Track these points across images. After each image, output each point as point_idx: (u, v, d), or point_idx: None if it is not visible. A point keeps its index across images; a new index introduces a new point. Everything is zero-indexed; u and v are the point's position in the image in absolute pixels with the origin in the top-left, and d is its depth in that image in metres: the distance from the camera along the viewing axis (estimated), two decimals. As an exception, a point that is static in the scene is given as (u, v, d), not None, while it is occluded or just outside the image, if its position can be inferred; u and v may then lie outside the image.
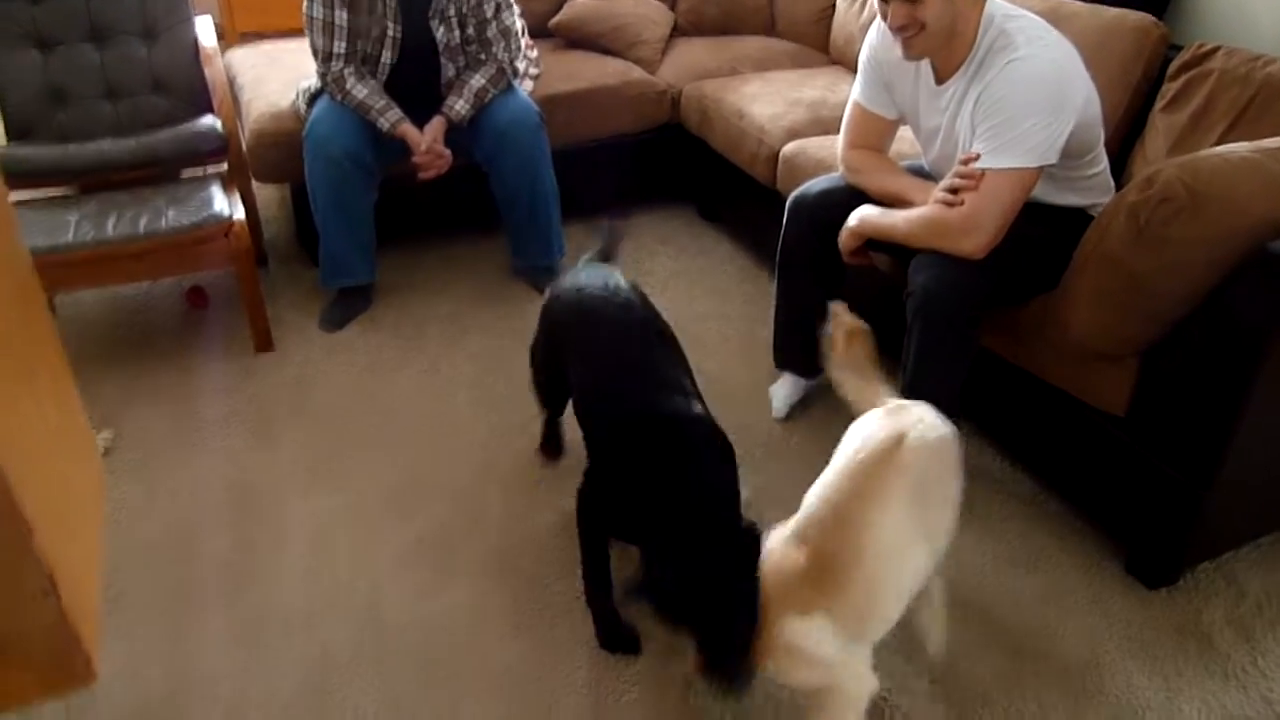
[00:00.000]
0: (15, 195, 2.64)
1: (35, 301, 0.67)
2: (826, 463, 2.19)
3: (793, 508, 2.11)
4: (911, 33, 1.85)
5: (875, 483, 1.44)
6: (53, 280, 2.48)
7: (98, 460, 0.78)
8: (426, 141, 2.64)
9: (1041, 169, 1.81)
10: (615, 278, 1.92)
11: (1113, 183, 2.06)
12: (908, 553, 1.47)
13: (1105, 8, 2.36)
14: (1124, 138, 2.30)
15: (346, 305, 2.84)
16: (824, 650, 1.40)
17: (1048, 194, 1.96)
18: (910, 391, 2.03)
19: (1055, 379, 1.98)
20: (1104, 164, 2.02)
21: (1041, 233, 1.93)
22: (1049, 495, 2.16)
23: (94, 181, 2.69)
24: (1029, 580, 1.95)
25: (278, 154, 2.80)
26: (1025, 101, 1.77)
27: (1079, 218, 1.98)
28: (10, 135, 2.81)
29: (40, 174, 2.64)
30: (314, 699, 1.70)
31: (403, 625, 1.85)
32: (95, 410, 2.44)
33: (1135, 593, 1.91)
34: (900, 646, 1.78)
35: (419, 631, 1.83)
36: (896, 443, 1.47)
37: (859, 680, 1.47)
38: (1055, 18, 2.09)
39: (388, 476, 2.23)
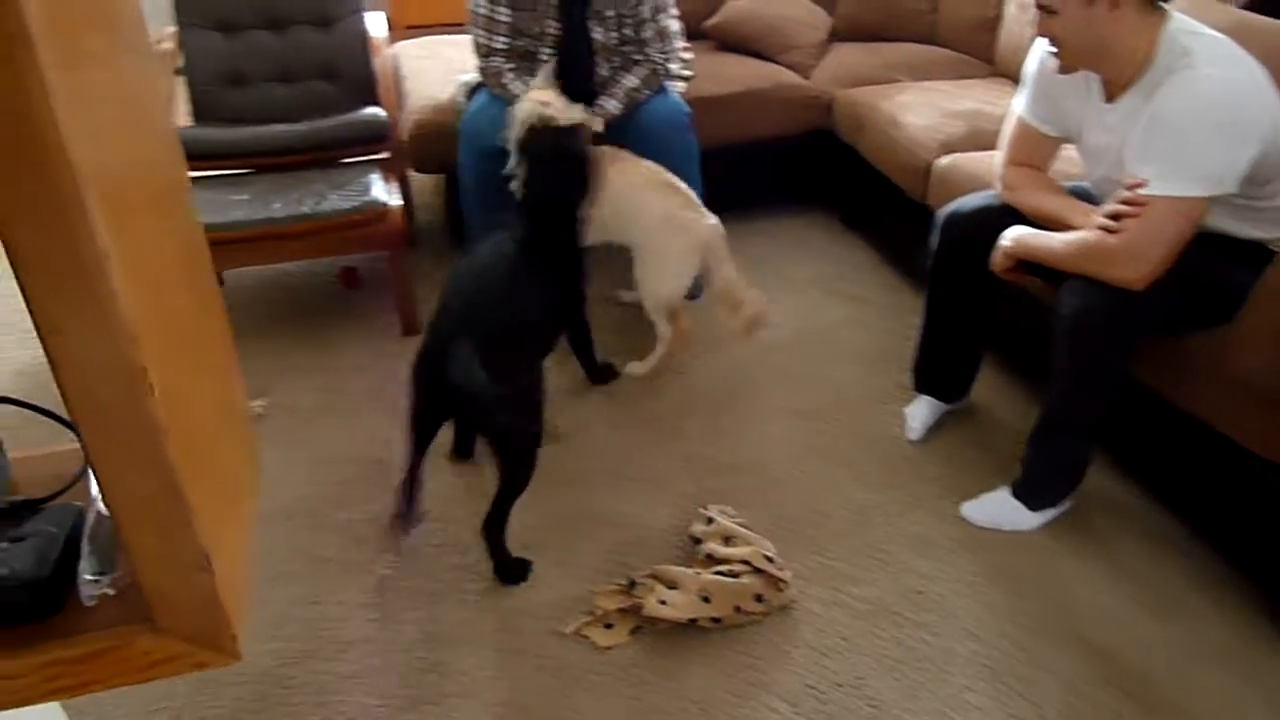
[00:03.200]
0: (194, 173, 2.83)
1: (204, 274, 0.72)
2: (957, 491, 2.15)
3: (914, 535, 2.05)
4: (1054, 48, 1.81)
5: None
6: (220, 257, 2.63)
7: (253, 436, 0.83)
8: (576, 139, 2.68)
9: (1214, 198, 1.69)
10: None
11: (1301, 215, 1.91)
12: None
13: (1301, 25, 2.19)
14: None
15: (488, 293, 2.92)
16: None
17: (1224, 223, 1.83)
18: (1051, 413, 1.96)
19: (1213, 418, 1.85)
20: (1290, 195, 1.88)
21: (1213, 264, 1.81)
22: (1194, 539, 2.03)
23: (265, 162, 2.85)
24: (1166, 629, 1.84)
25: (435, 145, 2.90)
26: (1201, 124, 1.66)
27: (1258, 251, 1.84)
28: (194, 115, 3.00)
29: (216, 154, 2.81)
30: (430, 673, 1.76)
31: (519, 610, 1.89)
32: (252, 380, 2.57)
33: (1288, 656, 1.78)
34: (1015, 686, 1.71)
35: (535, 618, 1.87)
36: None
37: None
38: (1243, 35, 1.93)
39: (516, 464, 2.29)
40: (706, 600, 1.81)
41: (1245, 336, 1.73)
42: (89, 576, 0.59)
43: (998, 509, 2.09)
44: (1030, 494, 2.06)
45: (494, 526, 1.96)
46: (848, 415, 2.45)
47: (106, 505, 0.53)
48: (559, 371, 2.61)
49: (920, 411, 2.36)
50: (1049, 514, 2.08)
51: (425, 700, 1.71)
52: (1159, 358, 1.90)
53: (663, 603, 1.80)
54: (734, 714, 1.68)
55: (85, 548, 0.61)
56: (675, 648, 1.80)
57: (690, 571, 1.88)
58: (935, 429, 2.38)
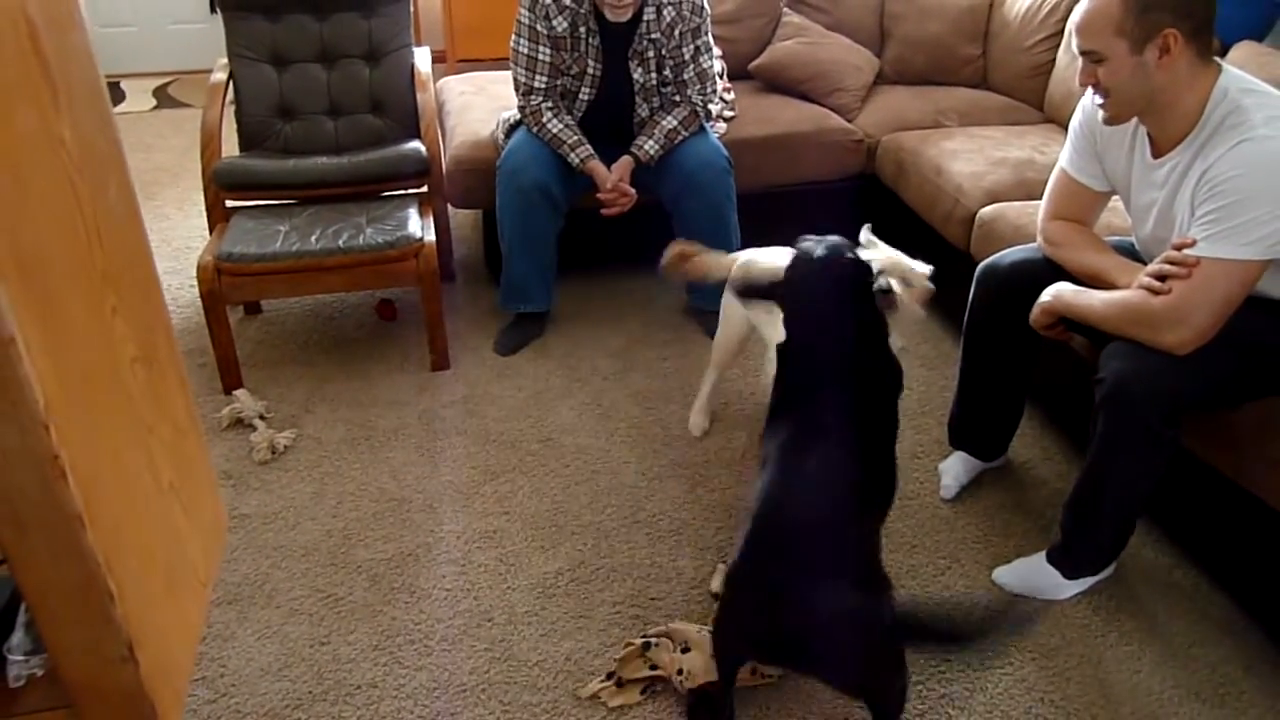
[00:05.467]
0: (239, 202, 2.87)
1: (165, 361, 0.70)
2: (992, 555, 2.07)
3: (947, 589, 1.97)
4: (1100, 97, 1.74)
5: None
6: (257, 288, 2.67)
7: (216, 511, 0.81)
8: (613, 180, 2.67)
9: (1268, 262, 1.61)
10: None
11: (1360, 280, 1.81)
12: None
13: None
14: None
15: (521, 330, 2.91)
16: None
17: (1276, 286, 1.74)
18: (1088, 481, 1.86)
19: (1270, 496, 1.75)
20: (1349, 258, 1.78)
21: (1265, 330, 1.72)
22: (1249, 624, 1.92)
23: (307, 194, 2.87)
24: (1211, 716, 1.73)
25: (473, 181, 2.91)
26: (1255, 187, 1.58)
27: (1313, 317, 1.75)
28: (242, 145, 3.05)
29: (258, 185, 2.84)
30: (436, 725, 1.72)
31: (532, 662, 1.85)
32: (284, 410, 2.60)
33: (1346, 754, 1.66)
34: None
35: (547, 671, 1.83)
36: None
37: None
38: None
39: (538, 506, 2.25)
40: (687, 650, 1.75)
41: (1299, 409, 1.64)
42: (18, 656, 0.56)
43: (1032, 575, 2.00)
44: (1067, 562, 1.97)
45: None
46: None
47: (22, 593, 0.50)
48: (585, 401, 2.58)
49: (955, 468, 2.28)
50: (1087, 582, 1.99)
51: (428, 752, 1.67)
52: (1209, 428, 1.81)
53: (679, 671, 1.74)
54: (744, 784, 1.61)
55: (21, 619, 0.58)
56: (685, 709, 1.74)
57: (705, 630, 1.82)
58: (972, 488, 2.29)
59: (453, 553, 2.12)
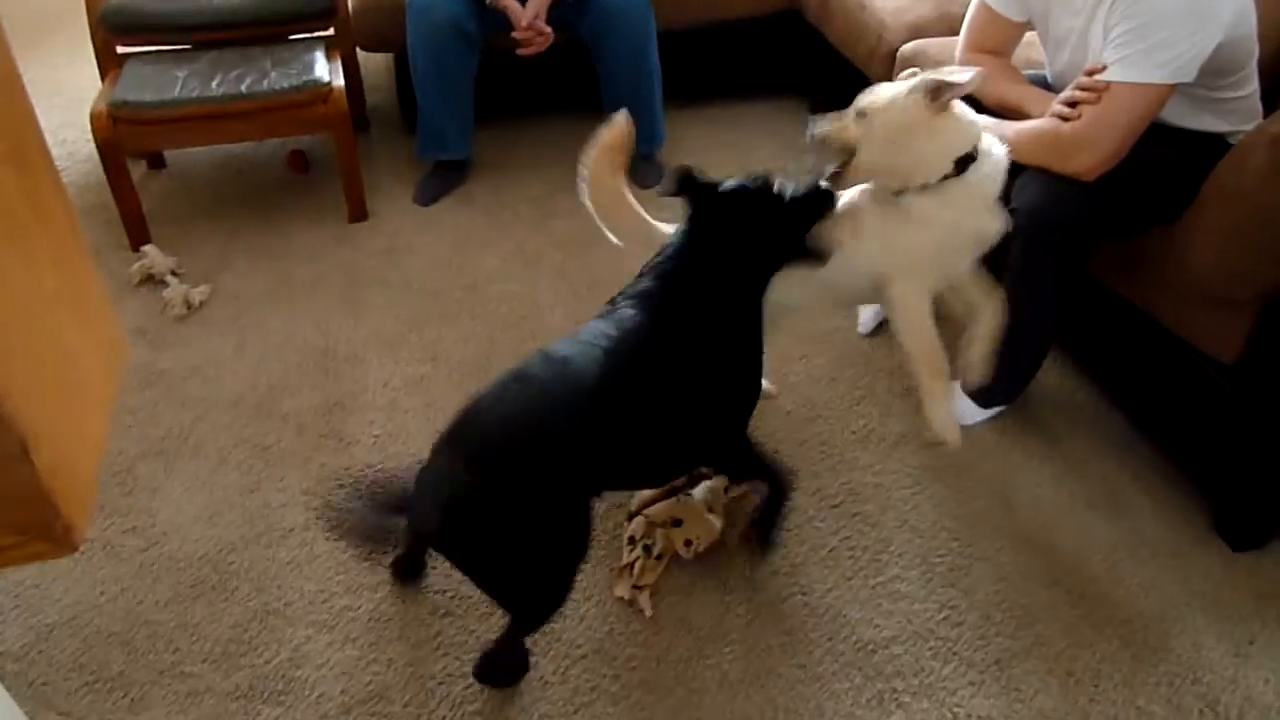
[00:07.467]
0: (133, 48, 2.70)
1: (38, 165, 0.67)
2: (903, 382, 2.14)
3: (859, 428, 2.05)
4: None
5: None
6: (158, 136, 2.55)
7: (110, 326, 0.79)
8: (528, 17, 2.57)
9: (1174, 87, 1.63)
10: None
11: (1260, 108, 1.86)
12: None
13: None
14: (1286, 57, 2.06)
15: (441, 179, 2.84)
16: None
17: (1181, 115, 1.77)
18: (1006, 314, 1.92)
19: (1163, 317, 1.83)
20: (1253, 86, 1.82)
21: (1169, 157, 1.77)
22: (1140, 438, 2.04)
23: (206, 37, 2.71)
24: (1105, 524, 1.86)
25: (382, 20, 2.77)
26: (1164, 9, 1.59)
27: (1215, 144, 1.79)
28: (131, -14, 2.84)
29: (150, 28, 2.67)
30: (368, 559, 1.76)
31: (463, 501, 1.89)
32: (196, 265, 2.53)
33: (1219, 552, 1.80)
34: (947, 575, 1.74)
35: (477, 509, 1.87)
36: None
37: None
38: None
39: (463, 353, 2.26)
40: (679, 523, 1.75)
41: (1194, 233, 1.70)
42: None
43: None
44: (980, 391, 2.05)
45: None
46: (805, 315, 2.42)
47: (-98, 391, 0.49)
48: (508, 249, 2.56)
49: (872, 307, 2.33)
50: (996, 410, 2.09)
51: (364, 586, 1.72)
52: (1112, 254, 1.87)
53: (687, 544, 1.74)
54: (671, 603, 1.70)
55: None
56: (610, 553, 1.81)
57: (684, 497, 1.80)
58: (887, 323, 2.35)
59: (380, 400, 2.13)
